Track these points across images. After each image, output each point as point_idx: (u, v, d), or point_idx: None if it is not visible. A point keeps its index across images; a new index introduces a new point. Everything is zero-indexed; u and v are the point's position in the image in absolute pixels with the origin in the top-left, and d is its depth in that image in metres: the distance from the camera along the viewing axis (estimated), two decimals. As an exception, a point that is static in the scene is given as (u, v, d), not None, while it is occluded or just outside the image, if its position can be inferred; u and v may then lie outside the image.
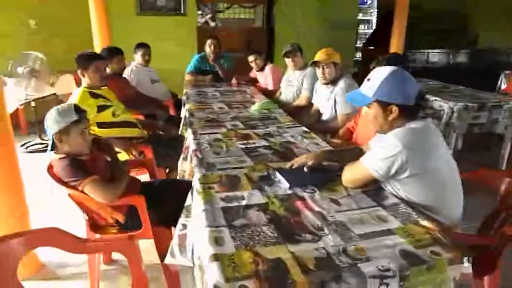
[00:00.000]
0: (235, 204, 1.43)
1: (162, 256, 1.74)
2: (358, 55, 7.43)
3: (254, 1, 7.58)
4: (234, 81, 4.27)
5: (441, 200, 1.45)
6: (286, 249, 1.14)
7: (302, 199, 1.47)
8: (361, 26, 7.36)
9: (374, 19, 7.48)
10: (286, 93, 3.69)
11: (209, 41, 4.39)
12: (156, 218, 1.86)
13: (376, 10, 7.38)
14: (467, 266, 1.12)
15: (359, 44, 7.33)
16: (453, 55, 6.06)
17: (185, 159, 2.41)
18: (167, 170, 2.77)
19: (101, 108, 2.50)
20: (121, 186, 1.75)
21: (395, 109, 1.45)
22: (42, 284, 2.10)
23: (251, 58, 4.10)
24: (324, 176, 1.64)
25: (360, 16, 7.23)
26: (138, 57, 3.90)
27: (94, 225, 1.87)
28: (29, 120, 4.67)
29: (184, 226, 1.69)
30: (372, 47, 6.74)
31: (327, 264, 1.07)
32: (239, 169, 1.76)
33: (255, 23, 8.65)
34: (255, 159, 1.89)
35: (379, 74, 1.48)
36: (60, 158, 1.73)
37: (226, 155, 1.96)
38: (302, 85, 3.51)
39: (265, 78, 4.14)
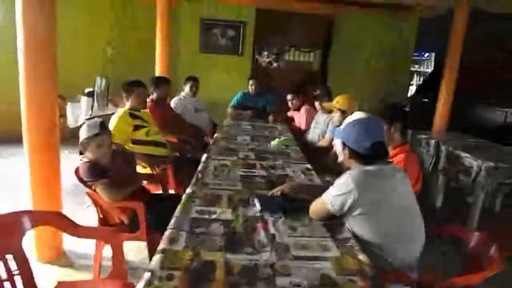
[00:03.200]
0: (205, 216, 1.65)
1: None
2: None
3: (311, 46, 8.00)
4: (271, 118, 4.56)
5: (391, 241, 1.53)
6: (223, 255, 1.33)
7: (265, 222, 1.64)
8: (417, 78, 7.31)
9: (429, 71, 7.42)
10: (312, 134, 3.86)
11: (250, 81, 4.83)
12: (155, 224, 2.13)
13: (433, 63, 7.34)
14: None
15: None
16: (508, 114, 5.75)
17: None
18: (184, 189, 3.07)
19: (136, 128, 2.91)
20: (125, 191, 2.07)
21: (346, 150, 1.65)
22: (58, 269, 2.46)
23: (289, 97, 4.38)
24: (293, 205, 1.79)
25: (416, 68, 7.20)
26: (187, 88, 4.40)
27: (105, 222, 2.20)
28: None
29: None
30: (426, 100, 6.65)
31: (249, 272, 1.24)
32: (226, 191, 1.98)
33: (313, 66, 9.05)
34: (245, 185, 2.11)
35: (353, 117, 1.67)
36: (83, 162, 2.11)
37: (223, 179, 2.20)
38: (327, 127, 3.66)
39: (299, 118, 4.36)
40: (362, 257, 1.38)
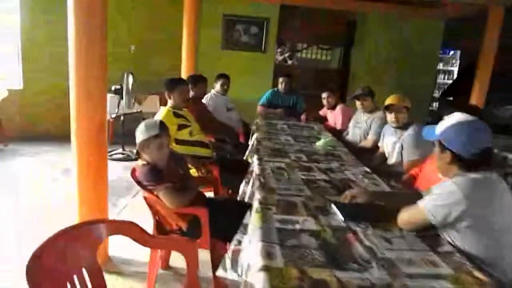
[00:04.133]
0: (289, 226, 1.52)
1: (215, 268, 1.87)
2: (435, 104, 7.20)
3: (332, 44, 7.84)
4: (303, 116, 4.43)
5: (499, 254, 1.40)
6: (332, 273, 1.20)
7: (355, 232, 1.51)
8: (441, 76, 7.15)
9: (455, 69, 7.25)
10: (353, 134, 3.73)
11: (281, 79, 4.70)
12: (213, 231, 2.01)
13: (458, 61, 7.16)
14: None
15: (437, 94, 7.11)
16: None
17: (247, 182, 2.56)
18: (230, 191, 2.94)
19: (180, 127, 2.79)
20: (189, 196, 1.95)
21: (448, 154, 1.50)
22: (106, 276, 2.34)
23: (324, 95, 4.24)
24: (378, 214, 1.67)
25: (441, 66, 7.04)
26: (218, 86, 4.27)
27: (160, 228, 2.07)
28: (116, 132, 5.25)
29: (239, 242, 1.81)
30: (450, 98, 6.51)
31: (370, 293, 1.11)
32: (297, 197, 1.86)
33: (331, 64, 8.90)
34: (313, 190, 1.98)
35: (452, 118, 1.53)
36: (142, 164, 1.98)
37: (287, 183, 2.08)
38: (370, 128, 3.53)
39: (334, 117, 4.23)
40: (479, 274, 1.25)
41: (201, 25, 5.96)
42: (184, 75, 5.11)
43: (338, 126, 4.15)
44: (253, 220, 1.65)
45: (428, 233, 1.53)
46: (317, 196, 1.90)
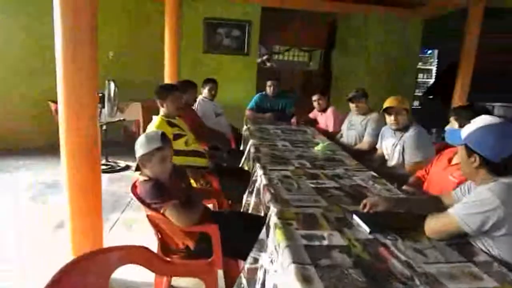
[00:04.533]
0: (316, 243, 1.42)
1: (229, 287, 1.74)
2: (416, 103, 7.32)
3: (313, 46, 7.82)
4: (294, 120, 4.36)
5: None
6: (378, 296, 1.10)
7: (385, 245, 1.43)
8: (420, 75, 7.28)
9: (434, 68, 7.41)
10: (347, 136, 3.69)
11: (269, 82, 4.60)
12: (223, 248, 1.88)
13: (436, 60, 7.32)
14: None
15: (417, 92, 7.23)
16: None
17: (251, 192, 2.45)
18: (229, 202, 2.81)
19: (176, 137, 2.64)
20: (197, 212, 1.81)
21: (476, 159, 1.44)
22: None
23: (315, 97, 4.18)
24: (403, 223, 1.59)
25: (420, 65, 7.16)
26: (205, 91, 4.12)
27: (164, 248, 1.92)
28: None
29: (255, 260, 1.70)
30: (431, 97, 6.62)
31: (426, 317, 1.02)
32: (314, 208, 1.76)
33: (310, 66, 8.89)
34: (328, 200, 1.88)
35: (479, 120, 1.47)
36: (144, 180, 1.83)
37: (298, 193, 1.97)
38: (365, 129, 3.49)
39: (326, 120, 4.18)
40: (526, 286, 1.19)
41: (182, 29, 5.80)
42: (167, 81, 4.93)
43: (330, 129, 4.10)
44: (274, 236, 1.53)
45: (458, 241, 1.47)
46: (334, 206, 1.81)
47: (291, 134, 3.69)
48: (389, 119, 2.86)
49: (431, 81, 7.39)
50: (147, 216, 1.84)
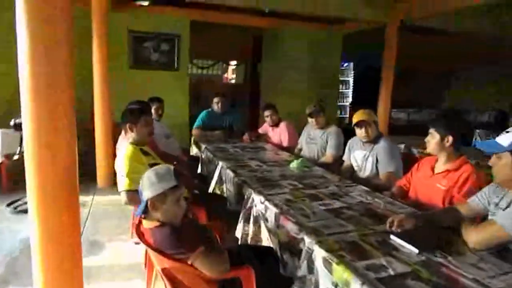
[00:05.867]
0: (383, 274, 1.34)
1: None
2: (337, 112, 7.85)
3: (239, 59, 7.86)
4: (246, 136, 4.26)
5: None
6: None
7: (444, 265, 1.42)
8: (340, 86, 7.83)
9: (351, 80, 8.06)
10: (308, 150, 3.72)
11: (216, 99, 4.43)
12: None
13: (352, 72, 8.00)
14: None
15: (339, 102, 7.77)
16: (428, 114, 6.67)
17: (246, 220, 2.27)
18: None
19: (152, 167, 2.31)
20: (225, 254, 1.58)
21: None
22: None
23: (267, 113, 4.14)
24: (444, 239, 1.61)
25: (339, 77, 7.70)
26: (152, 111, 3.75)
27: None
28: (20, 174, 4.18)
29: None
30: (357, 106, 7.23)
31: None
32: (347, 234, 1.68)
33: (237, 79, 8.91)
34: (351, 222, 1.83)
35: None
36: (157, 226, 1.53)
37: (317, 218, 1.88)
38: (326, 143, 3.56)
39: (279, 134, 4.16)
40: None
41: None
42: (99, 100, 4.39)
43: (285, 143, 4.09)
44: (331, 273, 1.41)
45: (494, 250, 1.53)
46: (361, 228, 1.75)
47: (253, 152, 3.58)
48: (360, 132, 2.95)
49: (349, 91, 8.04)
50: (163, 270, 1.54)
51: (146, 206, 1.56)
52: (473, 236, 1.55)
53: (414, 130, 5.54)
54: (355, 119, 2.94)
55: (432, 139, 2.22)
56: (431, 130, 2.28)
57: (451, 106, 8.37)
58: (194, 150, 4.26)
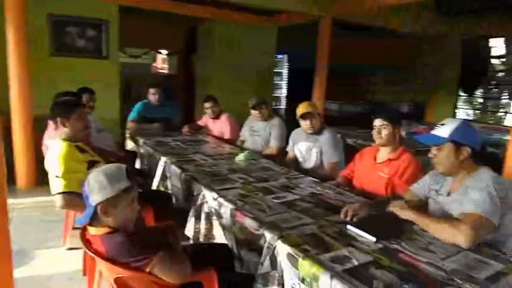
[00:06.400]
0: (349, 265, 1.36)
1: None
2: (273, 103, 7.96)
3: (171, 48, 7.52)
4: (185, 129, 4.11)
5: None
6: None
7: (399, 251, 1.48)
8: (276, 78, 7.93)
9: (285, 71, 8.21)
10: (252, 142, 3.69)
11: (152, 90, 4.21)
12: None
13: (287, 63, 8.15)
14: None
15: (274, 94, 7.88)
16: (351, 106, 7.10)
17: (198, 217, 2.18)
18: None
19: (91, 165, 2.10)
20: (186, 259, 1.48)
21: (467, 150, 1.63)
22: None
23: (208, 104, 4.02)
24: (398, 226, 1.68)
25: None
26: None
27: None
28: None
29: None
30: (293, 99, 7.39)
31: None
32: (306, 227, 1.68)
33: (170, 70, 8.53)
34: (307, 215, 1.84)
35: (455, 121, 1.67)
36: (108, 233, 1.38)
37: (273, 212, 1.86)
38: (270, 135, 3.57)
39: (220, 127, 4.07)
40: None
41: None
42: (15, 91, 3.89)
43: (226, 135, 4.02)
44: (298, 268, 1.39)
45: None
46: (319, 220, 1.77)
47: (196, 145, 3.46)
48: (304, 123, 2.99)
49: (283, 83, 8.19)
50: (115, 280, 1.39)
51: (95, 212, 1.39)
52: (461, 234, 1.48)
53: (347, 122, 5.87)
54: (300, 111, 2.98)
55: (386, 131, 2.32)
56: (385, 123, 2.35)
57: (375, 100, 8.99)
58: (129, 145, 3.99)
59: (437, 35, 7.10)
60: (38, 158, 4.23)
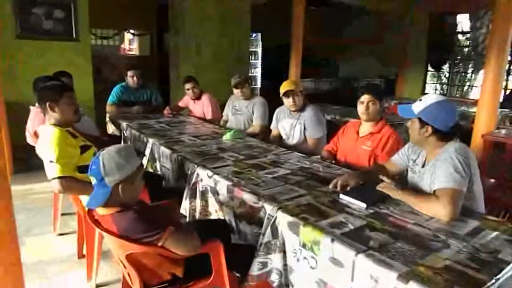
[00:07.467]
0: (346, 229, 1.49)
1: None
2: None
3: (143, 29, 7.32)
4: (167, 111, 4.10)
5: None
6: (440, 258, 1.28)
7: (389, 215, 1.63)
8: (251, 57, 7.91)
9: (259, 50, 8.20)
10: (235, 122, 3.76)
11: (130, 72, 4.15)
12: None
13: (261, 42, 8.13)
14: None
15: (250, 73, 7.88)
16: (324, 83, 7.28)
17: (193, 196, 2.25)
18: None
19: (84, 149, 2.11)
20: (194, 231, 1.56)
21: (429, 129, 1.76)
22: None
23: (188, 85, 4.01)
24: (383, 193, 1.82)
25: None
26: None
27: (147, 286, 1.58)
28: None
29: (264, 264, 1.64)
30: (269, 79, 7.43)
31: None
32: (302, 198, 1.80)
33: (143, 51, 8.31)
34: (301, 187, 1.95)
35: (430, 98, 1.78)
36: (119, 212, 1.43)
37: (269, 186, 1.95)
38: (252, 113, 3.64)
39: (202, 107, 4.09)
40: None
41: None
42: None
43: (208, 116, 4.05)
44: (298, 235, 1.51)
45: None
46: (312, 191, 1.89)
47: (180, 126, 3.49)
48: (288, 101, 3.08)
49: (258, 62, 8.20)
50: (127, 256, 1.46)
51: (111, 192, 1.43)
52: (442, 211, 1.57)
53: (322, 98, 6.02)
54: (283, 89, 3.05)
55: (374, 106, 2.44)
56: (372, 98, 2.45)
57: (346, 76, 9.20)
58: (111, 129, 3.95)
59: (405, 11, 7.31)
60: (13, 146, 4.13)
